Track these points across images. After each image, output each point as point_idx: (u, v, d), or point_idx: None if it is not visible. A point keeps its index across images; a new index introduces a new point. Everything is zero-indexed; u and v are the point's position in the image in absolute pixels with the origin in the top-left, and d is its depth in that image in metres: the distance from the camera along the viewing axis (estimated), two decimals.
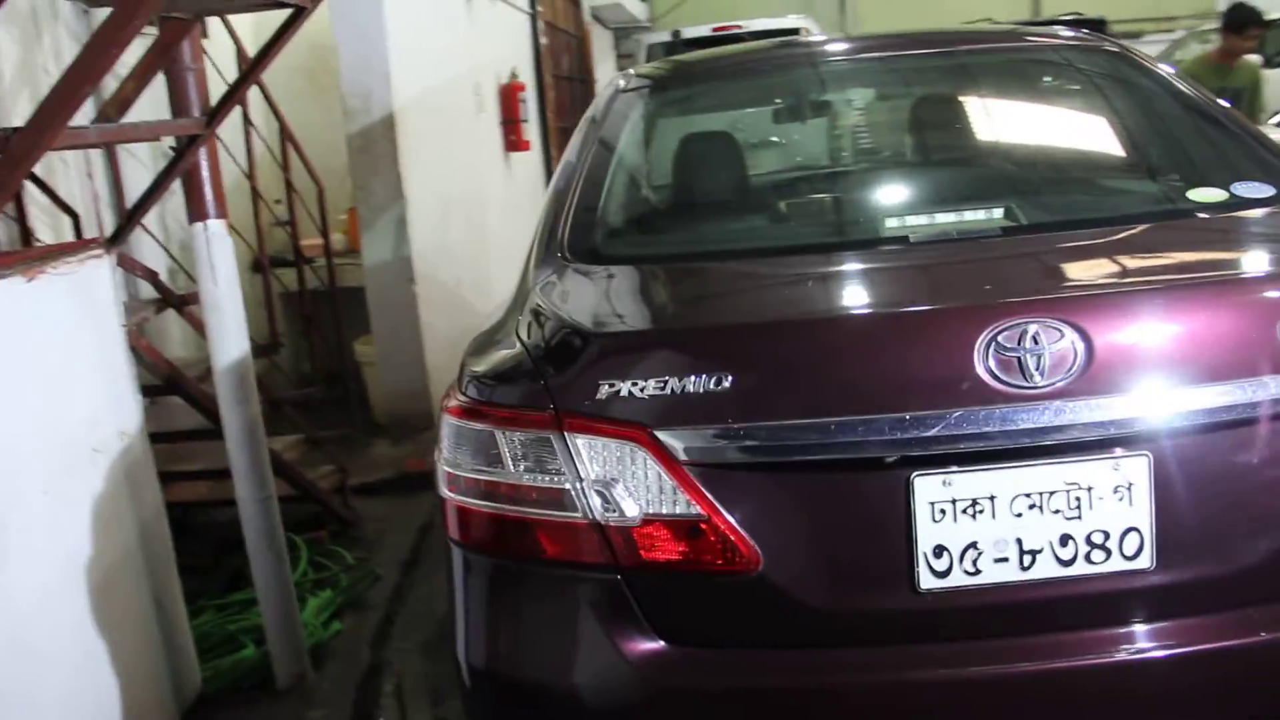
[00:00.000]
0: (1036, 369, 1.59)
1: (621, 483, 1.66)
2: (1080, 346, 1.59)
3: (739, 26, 10.01)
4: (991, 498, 1.63)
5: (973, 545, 1.64)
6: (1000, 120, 2.57)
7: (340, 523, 4.18)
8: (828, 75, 2.74)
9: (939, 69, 2.66)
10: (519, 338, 1.86)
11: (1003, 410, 1.59)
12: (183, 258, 4.32)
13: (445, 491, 1.83)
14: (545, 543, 1.71)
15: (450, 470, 1.81)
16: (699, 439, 1.62)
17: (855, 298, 1.79)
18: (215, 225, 2.75)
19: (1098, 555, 1.65)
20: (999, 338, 1.59)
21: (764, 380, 1.63)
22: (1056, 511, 1.64)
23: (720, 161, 2.52)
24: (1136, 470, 1.63)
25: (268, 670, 2.98)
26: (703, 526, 1.64)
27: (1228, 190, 2.09)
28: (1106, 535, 1.64)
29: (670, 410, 1.63)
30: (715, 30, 10.09)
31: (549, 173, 8.70)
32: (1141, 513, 1.64)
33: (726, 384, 1.61)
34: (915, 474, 1.62)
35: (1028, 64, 2.67)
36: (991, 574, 1.64)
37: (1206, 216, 2.03)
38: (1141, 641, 1.66)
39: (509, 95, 7.11)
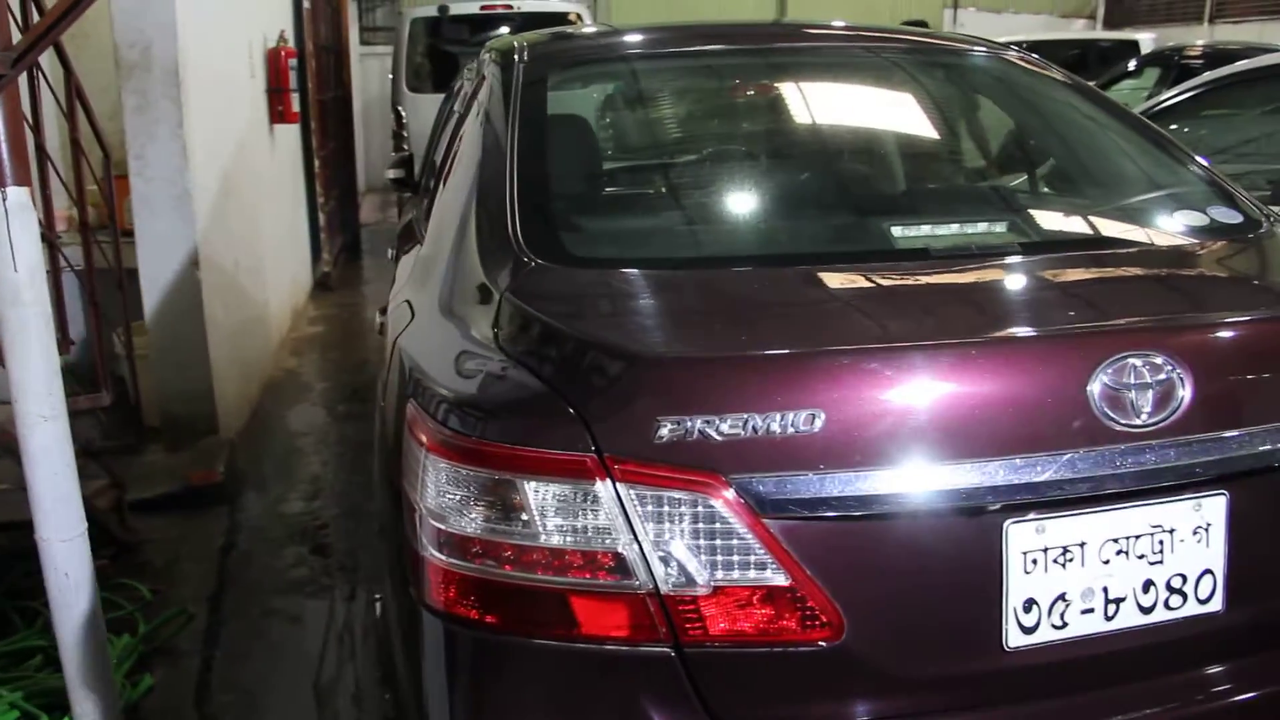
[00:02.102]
0: (1146, 405, 1.44)
1: (687, 542, 1.35)
2: (1183, 381, 1.46)
3: (509, 6, 9.63)
4: (1081, 544, 1.47)
5: (1061, 596, 1.47)
6: (954, 127, 2.44)
7: (118, 547, 3.55)
8: (752, 63, 2.50)
9: (891, 67, 2.48)
10: (508, 354, 1.51)
11: (1111, 451, 1.43)
12: None
13: (430, 552, 1.44)
14: (580, 617, 1.37)
15: (440, 526, 1.43)
16: (785, 489, 1.35)
17: (946, 323, 1.56)
18: (16, 195, 2.16)
19: (1175, 600, 1.53)
20: (1109, 371, 1.43)
21: (859, 418, 1.37)
22: (1141, 556, 1.50)
23: (682, 153, 2.23)
24: (1215, 510, 1.52)
25: None
26: (784, 592, 1.37)
27: (1205, 213, 2.04)
28: (1184, 579, 1.52)
29: (750, 454, 1.35)
30: (484, 9, 9.68)
31: (308, 150, 8.00)
32: (1216, 554, 1.53)
33: (818, 423, 1.35)
34: (1010, 521, 1.43)
35: (966, 69, 2.55)
36: (1077, 626, 1.48)
37: (1226, 241, 1.96)
38: (1216, 686, 1.56)
39: (277, 61, 6.42)
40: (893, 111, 2.41)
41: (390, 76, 11.98)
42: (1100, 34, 15.86)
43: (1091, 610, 1.48)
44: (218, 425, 4.39)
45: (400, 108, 9.30)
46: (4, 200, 2.14)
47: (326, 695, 2.85)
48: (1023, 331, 1.53)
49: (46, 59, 3.14)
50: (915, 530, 1.41)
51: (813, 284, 1.68)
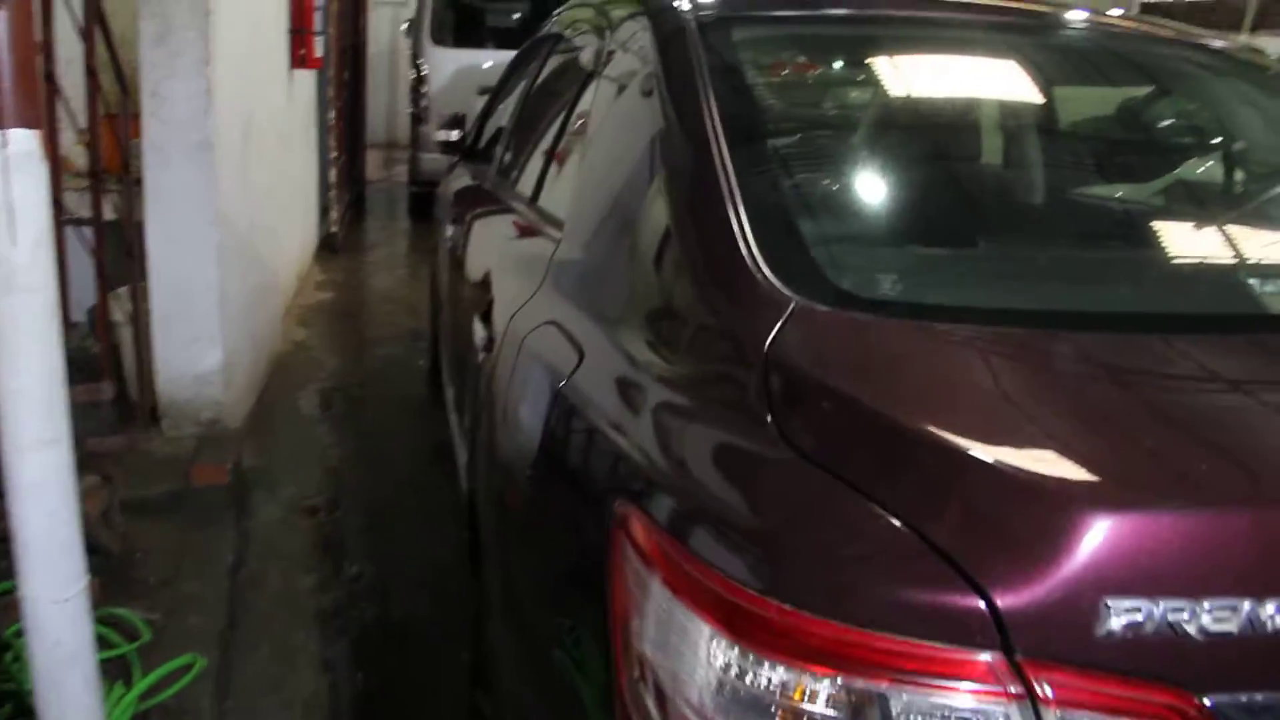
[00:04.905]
0: None
1: None
2: None
3: None
4: None
5: None
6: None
7: (103, 557, 2.99)
8: (1023, 42, 1.90)
9: (1185, 70, 1.91)
10: (812, 458, 0.97)
11: None
12: None
13: None
14: None
15: None
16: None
17: None
18: (20, 140, 1.59)
19: None
20: None
21: None
22: None
23: (962, 152, 1.67)
24: None
25: None
26: None
27: None
28: None
29: (1234, 660, 0.83)
30: None
31: (322, 99, 7.38)
32: None
33: None
34: None
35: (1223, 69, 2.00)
36: None
37: None
38: None
39: None
40: (1206, 126, 1.85)
41: (404, 28, 11.31)
42: None
43: None
44: (224, 411, 3.83)
45: (421, 61, 8.66)
46: (3, 146, 1.57)
47: None
48: None
49: None
50: None
51: (1235, 368, 1.13)
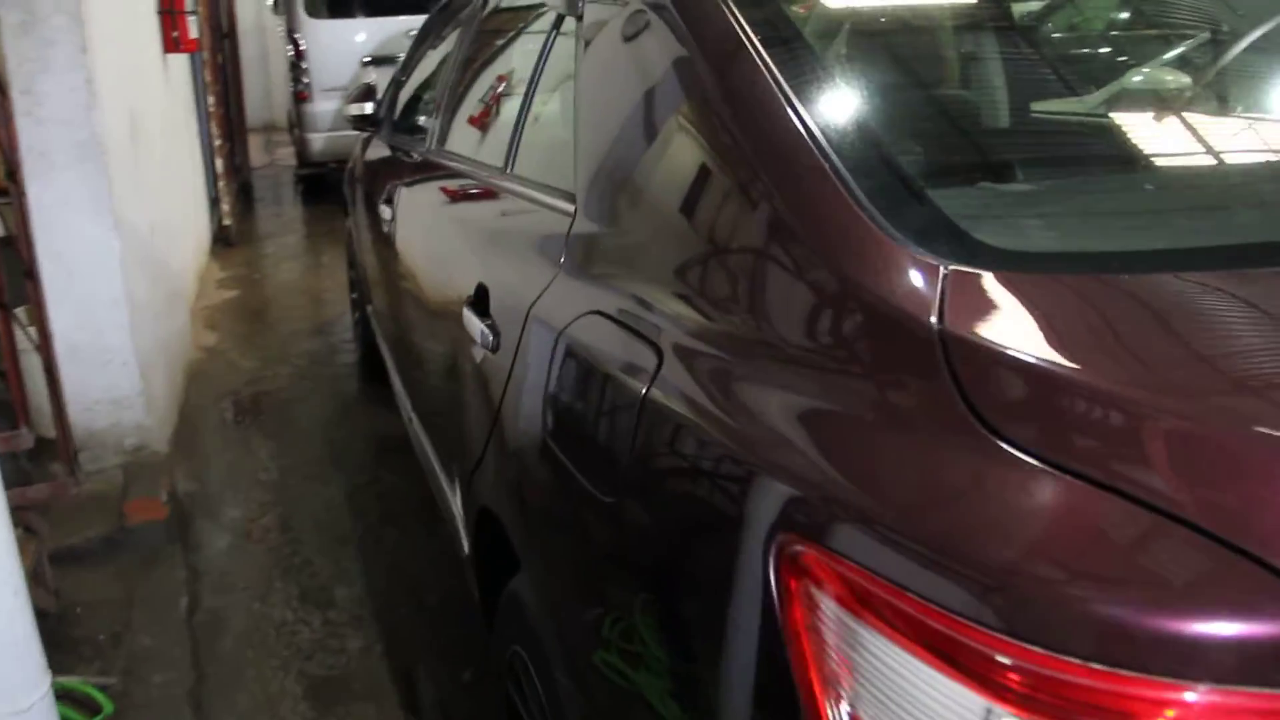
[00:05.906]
0: None
1: None
2: None
3: None
4: None
5: None
6: None
7: (38, 620, 2.66)
8: None
9: None
10: (1029, 452, 0.76)
11: None
12: None
13: None
14: None
15: None
16: None
17: None
18: None
19: None
20: None
21: None
22: None
23: (1090, 60, 1.43)
24: None
25: None
26: None
27: None
28: None
29: None
30: None
31: (198, 83, 6.88)
32: None
33: None
34: None
35: None
36: None
37: None
38: None
39: None
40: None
41: (270, 3, 10.69)
42: None
43: None
44: (149, 435, 3.48)
45: (298, 36, 8.16)
46: None
47: None
48: None
49: None
50: None
51: None
